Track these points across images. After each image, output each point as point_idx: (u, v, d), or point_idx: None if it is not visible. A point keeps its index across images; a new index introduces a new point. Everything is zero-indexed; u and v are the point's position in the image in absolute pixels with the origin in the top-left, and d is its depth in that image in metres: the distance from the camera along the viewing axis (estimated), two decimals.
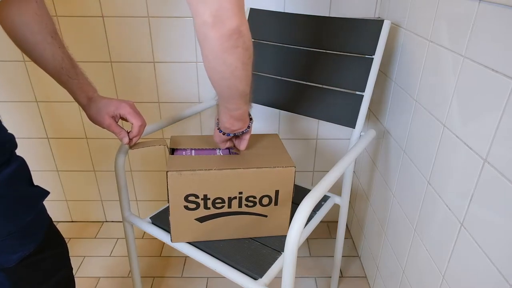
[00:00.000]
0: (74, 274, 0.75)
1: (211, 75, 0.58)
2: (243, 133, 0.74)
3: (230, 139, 0.78)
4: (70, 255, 0.72)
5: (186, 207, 0.77)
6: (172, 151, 0.81)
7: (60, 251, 0.69)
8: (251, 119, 0.74)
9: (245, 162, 0.76)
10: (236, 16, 0.50)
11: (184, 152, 0.81)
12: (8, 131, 0.57)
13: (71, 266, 0.73)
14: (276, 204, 0.79)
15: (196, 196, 0.76)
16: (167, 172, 0.72)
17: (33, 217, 0.59)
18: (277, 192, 0.77)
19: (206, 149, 0.82)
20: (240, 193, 0.77)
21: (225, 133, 0.73)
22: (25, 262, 0.59)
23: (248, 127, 0.74)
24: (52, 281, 0.66)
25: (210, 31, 0.51)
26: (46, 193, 0.63)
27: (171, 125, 1.00)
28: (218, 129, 0.73)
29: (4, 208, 0.54)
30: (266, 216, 0.80)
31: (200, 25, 0.51)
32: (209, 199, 0.76)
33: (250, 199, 0.77)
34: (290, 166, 0.75)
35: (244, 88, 0.61)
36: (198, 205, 0.77)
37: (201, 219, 0.79)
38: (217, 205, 0.77)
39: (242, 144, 0.78)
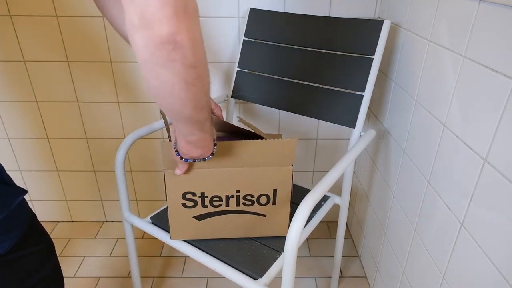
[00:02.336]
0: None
1: (148, 89, 0.46)
2: (204, 160, 0.66)
3: (188, 164, 0.71)
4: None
5: (184, 205, 0.77)
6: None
7: (42, 248, 0.67)
8: (215, 144, 0.65)
9: (242, 160, 0.76)
10: (169, 20, 0.38)
11: None
12: None
13: (57, 262, 0.71)
14: (274, 203, 0.79)
15: (194, 194, 0.76)
16: (164, 170, 0.73)
17: (8, 215, 0.57)
18: (275, 191, 0.77)
19: None
20: (238, 191, 0.77)
21: (182, 158, 0.65)
22: (2, 259, 0.58)
23: (212, 154, 0.65)
24: (34, 278, 0.65)
25: (136, 35, 0.40)
26: (22, 192, 0.61)
27: (171, 125, 1.00)
28: (175, 150, 0.64)
29: None
30: (264, 215, 0.80)
31: (128, 26, 0.40)
32: (206, 197, 0.76)
33: (248, 197, 0.78)
34: (288, 165, 0.75)
35: (190, 113, 0.49)
36: (195, 203, 0.77)
37: (199, 217, 0.79)
38: (215, 203, 0.78)
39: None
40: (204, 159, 0.65)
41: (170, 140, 0.82)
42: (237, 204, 0.78)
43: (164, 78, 0.43)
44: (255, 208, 0.79)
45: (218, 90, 1.24)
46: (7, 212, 0.58)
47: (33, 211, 0.66)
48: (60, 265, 0.73)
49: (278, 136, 0.77)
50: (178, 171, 0.72)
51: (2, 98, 1.25)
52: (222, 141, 0.72)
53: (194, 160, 0.65)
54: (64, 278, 0.74)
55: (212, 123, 0.60)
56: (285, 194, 0.78)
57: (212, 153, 0.65)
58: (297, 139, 0.73)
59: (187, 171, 0.73)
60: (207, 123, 0.56)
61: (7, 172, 0.61)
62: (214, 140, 0.64)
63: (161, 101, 0.47)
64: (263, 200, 0.78)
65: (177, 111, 0.49)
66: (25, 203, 0.63)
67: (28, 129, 1.30)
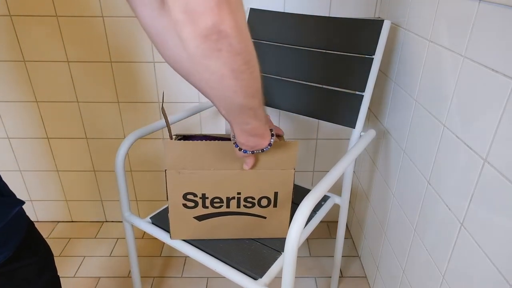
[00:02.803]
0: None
1: (198, 84, 0.49)
2: (263, 151, 0.65)
3: (254, 155, 0.70)
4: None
5: (185, 205, 0.77)
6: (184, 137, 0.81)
7: (39, 257, 0.66)
8: (273, 135, 0.64)
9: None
10: (211, 11, 0.39)
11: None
12: None
13: (55, 271, 0.71)
14: (275, 206, 0.79)
15: (195, 195, 0.76)
16: (165, 170, 0.73)
17: (3, 226, 0.56)
18: (276, 194, 0.77)
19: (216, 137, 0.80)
20: (239, 193, 0.77)
21: (241, 149, 0.64)
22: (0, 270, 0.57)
23: (270, 144, 0.64)
24: (33, 287, 0.65)
25: (183, 32, 0.41)
26: (18, 203, 0.60)
27: (171, 125, 1.00)
28: (234, 143, 0.65)
29: None
30: (265, 217, 0.80)
31: (174, 25, 0.42)
32: (207, 198, 0.76)
33: (249, 199, 0.78)
34: (290, 169, 0.75)
35: (242, 101, 0.50)
36: (196, 203, 0.77)
37: (200, 218, 0.79)
38: (216, 205, 0.78)
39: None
40: (262, 150, 0.64)
41: (170, 138, 0.81)
42: (238, 206, 0.78)
43: (213, 69, 0.44)
44: (256, 210, 0.79)
45: None
46: (2, 224, 0.56)
47: (34, 211, 0.65)
48: (60, 265, 0.72)
49: (280, 137, 0.77)
50: (245, 166, 0.72)
51: (2, 98, 1.25)
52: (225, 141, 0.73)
53: (253, 152, 0.65)
54: (64, 278, 0.74)
55: (265, 111, 0.59)
56: (286, 197, 0.78)
57: (270, 143, 0.64)
58: (297, 142, 0.73)
59: (252, 165, 0.72)
60: (260, 111, 0.55)
61: (7, 173, 0.61)
62: (271, 130, 0.64)
63: (213, 93, 0.48)
64: (264, 202, 0.78)
65: (230, 100, 0.49)
66: (22, 212, 0.62)
67: (28, 129, 1.30)
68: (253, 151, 0.64)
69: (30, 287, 0.64)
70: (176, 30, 0.41)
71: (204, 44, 0.41)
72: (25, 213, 0.63)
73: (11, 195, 0.60)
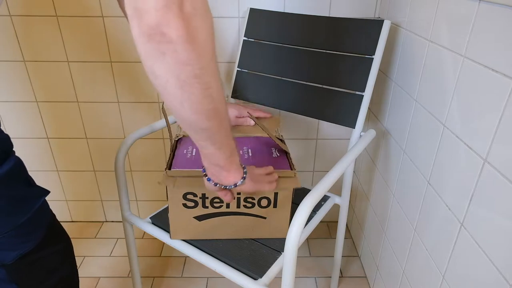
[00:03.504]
0: None
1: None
2: (230, 188, 0.60)
3: (230, 191, 0.63)
4: None
5: (185, 205, 0.77)
6: (176, 143, 0.84)
7: (62, 248, 0.69)
8: (244, 177, 0.59)
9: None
10: (156, 11, 0.38)
11: (185, 150, 0.81)
12: (5, 132, 0.57)
13: (75, 262, 0.74)
14: (275, 206, 0.79)
15: (194, 195, 0.76)
16: (165, 170, 0.73)
17: (32, 216, 0.59)
18: (276, 194, 0.77)
19: None
20: (239, 193, 0.77)
21: (212, 181, 0.59)
22: (25, 259, 0.60)
23: (241, 181, 0.59)
24: (55, 277, 0.67)
25: (132, 27, 0.40)
26: (45, 192, 0.63)
27: (171, 125, 1.00)
28: (204, 174, 0.60)
29: (0, 207, 0.55)
30: (265, 217, 0.80)
31: (128, 19, 0.41)
32: (207, 198, 0.76)
33: (249, 200, 0.78)
34: (290, 170, 0.75)
35: (191, 117, 0.46)
36: (196, 203, 0.77)
37: (200, 218, 0.79)
38: (216, 205, 0.78)
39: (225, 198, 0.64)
40: (228, 187, 0.59)
41: (170, 139, 0.82)
42: (238, 206, 0.78)
43: (159, 72, 0.42)
44: (256, 210, 0.79)
45: None
46: (30, 214, 0.59)
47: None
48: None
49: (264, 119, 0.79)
50: (224, 199, 0.65)
51: (2, 98, 1.25)
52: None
53: (225, 187, 0.59)
54: None
55: (235, 144, 0.55)
56: (286, 197, 0.78)
57: (236, 183, 0.59)
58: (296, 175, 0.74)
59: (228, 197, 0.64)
60: (218, 137, 0.51)
61: None
62: (242, 166, 0.59)
63: (162, 98, 0.46)
64: (264, 202, 0.78)
65: (178, 113, 0.47)
66: (46, 203, 0.64)
67: (28, 129, 1.30)
68: (225, 187, 0.59)
69: (54, 275, 0.67)
70: (130, 22, 0.41)
71: (149, 44, 0.40)
72: (48, 204, 0.66)
73: (36, 185, 0.63)
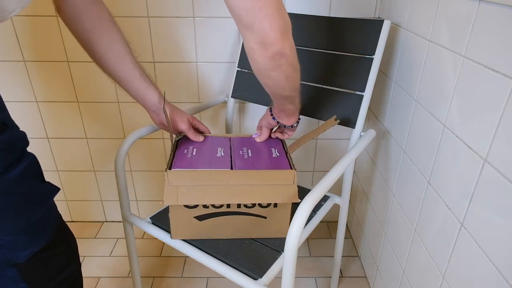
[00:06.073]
0: None
1: (262, 83, 0.68)
2: (285, 126, 0.84)
3: (271, 131, 0.89)
4: None
5: (185, 205, 0.77)
6: (176, 143, 0.84)
7: (69, 247, 0.70)
8: (299, 120, 0.84)
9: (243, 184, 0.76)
10: (278, 41, 0.58)
11: (185, 150, 0.81)
12: (20, 129, 0.59)
13: (80, 262, 0.74)
14: (275, 206, 0.79)
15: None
16: (166, 169, 0.73)
17: (44, 213, 0.60)
18: None
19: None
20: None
21: (273, 117, 0.82)
22: (35, 257, 0.61)
23: (292, 126, 0.84)
24: (61, 276, 0.68)
25: (256, 55, 0.59)
26: (56, 189, 0.64)
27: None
28: (270, 112, 0.82)
29: (15, 205, 0.56)
30: (265, 217, 0.80)
31: (248, 49, 0.60)
32: None
33: None
34: (290, 169, 0.75)
35: (287, 94, 0.71)
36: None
37: (200, 218, 0.79)
38: (216, 204, 0.78)
39: (285, 136, 0.90)
40: (285, 126, 0.84)
41: (171, 140, 0.83)
42: (238, 206, 0.78)
43: (273, 77, 0.64)
44: (256, 210, 0.79)
45: (218, 90, 1.24)
46: (44, 211, 0.60)
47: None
48: None
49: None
50: (258, 139, 0.88)
51: (2, 98, 1.24)
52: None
53: (279, 124, 0.83)
54: None
55: (300, 99, 0.77)
56: None
57: (292, 125, 0.84)
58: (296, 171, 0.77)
59: None
60: (296, 99, 0.75)
61: None
62: (298, 117, 0.84)
63: (269, 90, 0.69)
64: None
65: (279, 93, 0.70)
66: (53, 201, 0.66)
67: (28, 129, 1.29)
68: (279, 124, 0.83)
69: (61, 274, 0.68)
70: (249, 53, 0.60)
71: (271, 62, 0.60)
72: (54, 202, 0.67)
73: (47, 181, 0.64)
